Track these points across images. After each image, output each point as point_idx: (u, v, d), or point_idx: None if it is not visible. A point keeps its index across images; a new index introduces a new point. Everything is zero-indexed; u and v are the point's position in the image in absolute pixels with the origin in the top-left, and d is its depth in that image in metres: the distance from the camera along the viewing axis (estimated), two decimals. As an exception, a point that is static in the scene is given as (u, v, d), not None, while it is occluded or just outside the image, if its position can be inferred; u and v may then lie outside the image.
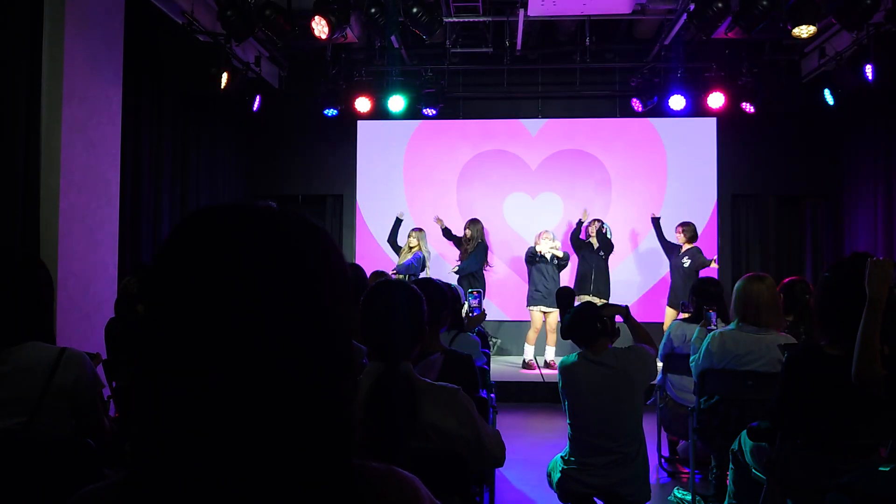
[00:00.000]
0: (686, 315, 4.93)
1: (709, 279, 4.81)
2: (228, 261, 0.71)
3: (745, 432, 3.18)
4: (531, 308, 7.89)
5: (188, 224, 0.75)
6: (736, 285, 3.68)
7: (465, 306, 4.28)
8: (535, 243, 7.87)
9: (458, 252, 8.22)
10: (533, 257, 7.80)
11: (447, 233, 8.32)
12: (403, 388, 1.87)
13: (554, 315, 7.81)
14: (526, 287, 8.11)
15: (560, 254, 7.81)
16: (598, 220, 8.13)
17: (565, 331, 3.35)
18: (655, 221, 8.21)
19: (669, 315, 7.71)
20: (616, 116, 9.19)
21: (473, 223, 8.13)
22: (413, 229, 8.08)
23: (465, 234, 8.09)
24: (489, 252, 8.15)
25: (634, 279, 8.99)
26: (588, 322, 3.26)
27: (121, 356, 4.00)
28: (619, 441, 3.13)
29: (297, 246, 0.74)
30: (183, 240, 0.74)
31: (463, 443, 1.95)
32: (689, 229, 7.80)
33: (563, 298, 6.24)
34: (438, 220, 8.44)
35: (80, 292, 5.06)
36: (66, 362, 2.22)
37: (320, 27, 6.31)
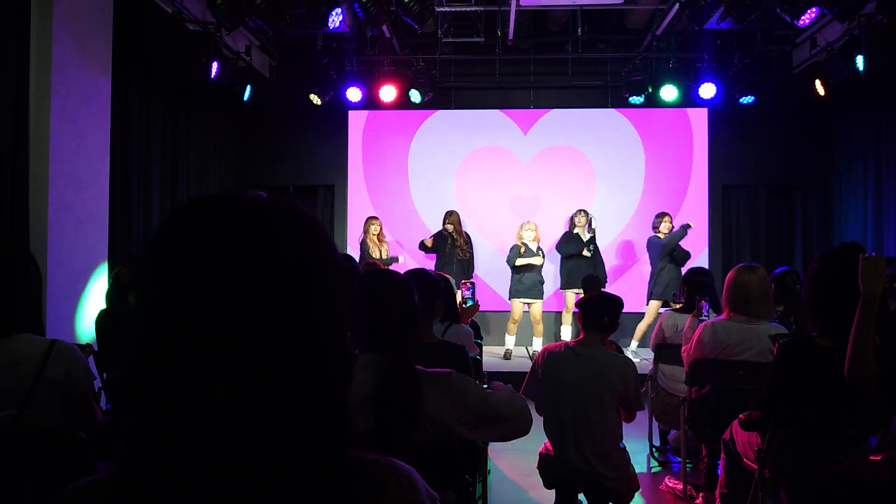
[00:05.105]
0: (678, 305, 4.94)
1: (700, 269, 4.83)
2: (220, 252, 0.70)
3: (736, 421, 3.20)
4: (513, 300, 7.90)
5: (180, 215, 0.74)
6: (728, 276, 3.69)
7: (458, 297, 4.27)
8: (518, 238, 7.86)
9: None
10: (517, 255, 7.81)
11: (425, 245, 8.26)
12: (412, 378, 1.85)
13: (538, 305, 7.85)
14: (507, 278, 8.10)
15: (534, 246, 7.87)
16: (584, 211, 8.13)
17: (580, 303, 3.32)
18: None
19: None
20: (607, 107, 9.18)
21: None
22: (373, 217, 8.20)
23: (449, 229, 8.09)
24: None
25: (627, 270, 9.00)
26: (597, 311, 3.23)
27: (112, 347, 3.98)
28: (592, 423, 3.11)
29: (289, 235, 0.74)
30: (175, 231, 0.73)
31: (461, 424, 1.92)
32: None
33: (589, 283, 6.52)
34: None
35: (69, 283, 5.03)
36: (56, 354, 2.21)
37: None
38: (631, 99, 8.58)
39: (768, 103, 8.48)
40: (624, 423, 3.24)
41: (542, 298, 7.86)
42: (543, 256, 7.90)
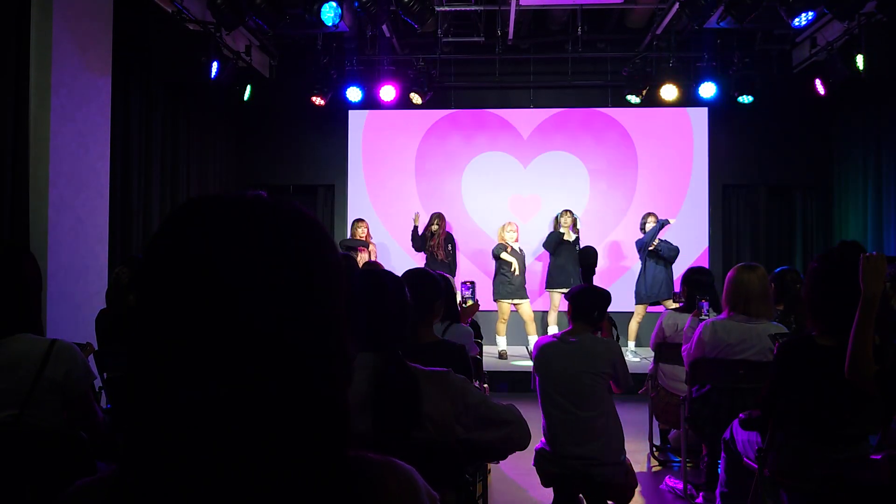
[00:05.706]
0: (678, 304, 4.95)
1: (700, 269, 4.83)
2: (220, 253, 0.70)
3: (736, 421, 3.20)
4: (500, 301, 7.89)
5: (179, 216, 0.74)
6: (728, 275, 3.69)
7: (458, 297, 4.27)
8: (500, 239, 7.88)
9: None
10: (503, 250, 7.83)
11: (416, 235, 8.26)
12: (407, 377, 1.85)
13: (527, 305, 7.87)
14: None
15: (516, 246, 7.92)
16: (569, 212, 8.13)
17: (570, 295, 3.42)
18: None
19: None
20: (608, 106, 9.18)
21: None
22: (359, 220, 8.24)
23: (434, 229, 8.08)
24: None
25: (625, 269, 9.00)
26: (587, 304, 3.32)
27: (112, 347, 3.98)
28: (585, 408, 3.17)
29: (289, 236, 0.74)
30: (174, 232, 0.73)
31: (460, 424, 1.92)
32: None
33: (585, 256, 6.47)
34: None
35: (70, 283, 5.03)
36: (56, 354, 2.21)
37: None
38: (631, 98, 8.58)
39: (768, 103, 8.47)
40: (624, 423, 3.26)
41: (528, 298, 7.90)
42: (523, 258, 7.95)
